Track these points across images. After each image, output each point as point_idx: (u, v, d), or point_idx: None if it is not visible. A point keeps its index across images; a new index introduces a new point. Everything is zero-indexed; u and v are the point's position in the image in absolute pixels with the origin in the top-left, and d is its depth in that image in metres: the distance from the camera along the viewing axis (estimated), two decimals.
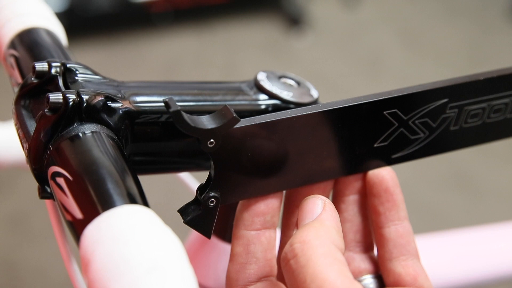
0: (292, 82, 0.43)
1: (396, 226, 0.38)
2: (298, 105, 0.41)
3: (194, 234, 0.51)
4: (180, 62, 2.17)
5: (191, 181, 0.56)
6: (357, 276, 0.38)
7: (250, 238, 0.36)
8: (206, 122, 0.32)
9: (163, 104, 0.37)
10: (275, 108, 0.41)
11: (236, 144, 0.33)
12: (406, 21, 2.44)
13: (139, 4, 2.25)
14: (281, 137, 0.35)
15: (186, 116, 0.31)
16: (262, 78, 0.42)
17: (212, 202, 0.35)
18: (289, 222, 0.39)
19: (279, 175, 0.36)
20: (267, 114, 0.34)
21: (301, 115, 0.34)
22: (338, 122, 0.36)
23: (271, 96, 0.41)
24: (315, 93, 0.43)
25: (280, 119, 0.34)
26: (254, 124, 0.33)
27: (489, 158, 1.82)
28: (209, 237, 0.36)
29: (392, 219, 0.38)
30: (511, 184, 1.78)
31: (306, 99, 0.42)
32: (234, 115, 0.32)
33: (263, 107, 0.41)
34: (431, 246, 0.65)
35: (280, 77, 0.43)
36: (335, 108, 0.35)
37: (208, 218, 0.35)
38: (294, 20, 2.32)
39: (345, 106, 0.35)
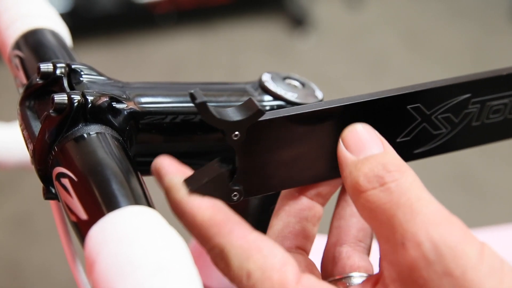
0: (296, 83, 0.43)
1: None
2: None
3: None
4: (183, 63, 2.17)
5: None
6: (354, 270, 0.37)
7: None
8: (232, 114, 0.32)
9: (167, 105, 0.38)
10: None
11: (260, 137, 0.33)
12: (410, 23, 2.44)
13: (142, 5, 2.25)
14: (306, 130, 0.35)
15: (211, 108, 0.31)
16: (266, 79, 0.42)
17: (235, 196, 0.34)
18: None
19: (303, 169, 0.36)
20: (292, 107, 0.34)
21: (326, 108, 0.34)
22: (362, 116, 0.35)
23: (276, 97, 0.41)
24: (319, 94, 0.43)
25: (305, 112, 0.34)
26: (279, 117, 0.33)
27: (493, 159, 1.82)
28: None
29: None
30: None
31: (310, 100, 0.42)
32: (259, 107, 0.32)
33: (267, 108, 0.41)
34: None
35: (284, 78, 0.43)
36: (360, 102, 0.35)
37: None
38: (297, 21, 2.32)
39: (370, 100, 0.35)
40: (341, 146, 0.34)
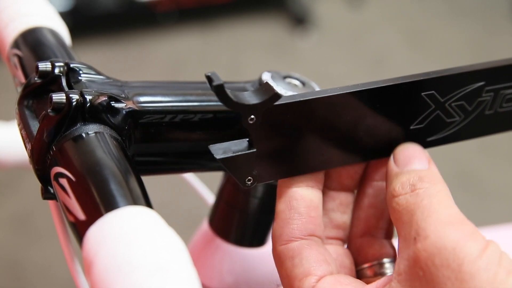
0: (297, 82, 0.43)
1: None
2: None
3: (197, 235, 0.50)
4: (184, 62, 2.17)
5: (195, 181, 0.56)
6: (375, 259, 0.38)
7: (292, 194, 0.36)
8: (248, 97, 0.33)
9: (167, 104, 0.37)
10: None
11: (275, 121, 0.34)
12: (411, 21, 2.44)
13: (143, 3, 2.25)
14: (320, 116, 0.35)
15: (228, 90, 0.31)
16: (267, 78, 0.42)
17: (249, 180, 0.34)
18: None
19: (316, 155, 0.36)
20: (307, 92, 0.34)
21: (341, 93, 0.34)
22: (376, 102, 0.36)
23: None
24: None
25: (321, 97, 0.34)
26: (295, 101, 0.33)
27: (494, 157, 1.82)
28: None
29: None
30: None
31: None
32: (275, 91, 0.32)
33: None
34: None
35: (285, 77, 0.43)
36: (375, 87, 0.35)
37: None
38: (298, 20, 2.32)
39: (385, 86, 0.35)
40: (390, 160, 0.37)
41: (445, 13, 2.48)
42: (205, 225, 0.50)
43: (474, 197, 1.71)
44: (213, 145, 0.33)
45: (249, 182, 0.35)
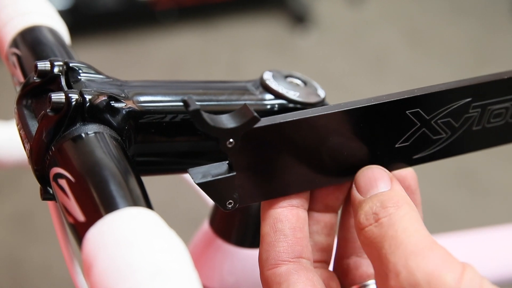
0: (298, 82, 0.43)
1: None
2: (304, 105, 0.41)
3: (198, 236, 0.50)
4: (184, 60, 2.17)
5: None
6: (364, 280, 0.37)
7: (276, 216, 0.35)
8: (226, 121, 0.32)
9: (167, 104, 0.37)
10: (281, 108, 0.40)
11: (255, 144, 0.33)
12: (411, 20, 2.44)
13: (143, 2, 2.25)
14: (302, 137, 0.34)
15: (205, 115, 0.31)
16: (268, 77, 0.42)
17: (230, 203, 0.34)
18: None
19: (300, 175, 0.35)
20: (288, 113, 0.33)
21: (323, 114, 0.34)
22: (360, 121, 0.35)
23: (277, 95, 0.41)
24: (322, 93, 0.42)
25: (302, 118, 0.33)
26: (275, 123, 0.32)
27: (496, 157, 1.81)
28: None
29: None
30: None
31: (312, 99, 0.41)
32: (254, 114, 0.31)
33: (269, 107, 0.40)
34: None
35: (286, 77, 0.42)
36: (357, 107, 0.34)
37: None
38: (299, 18, 2.32)
39: (368, 105, 0.34)
40: (353, 188, 0.35)
41: (445, 11, 2.48)
42: (205, 226, 0.50)
43: (475, 196, 1.71)
44: (192, 168, 0.33)
45: (229, 206, 0.34)
